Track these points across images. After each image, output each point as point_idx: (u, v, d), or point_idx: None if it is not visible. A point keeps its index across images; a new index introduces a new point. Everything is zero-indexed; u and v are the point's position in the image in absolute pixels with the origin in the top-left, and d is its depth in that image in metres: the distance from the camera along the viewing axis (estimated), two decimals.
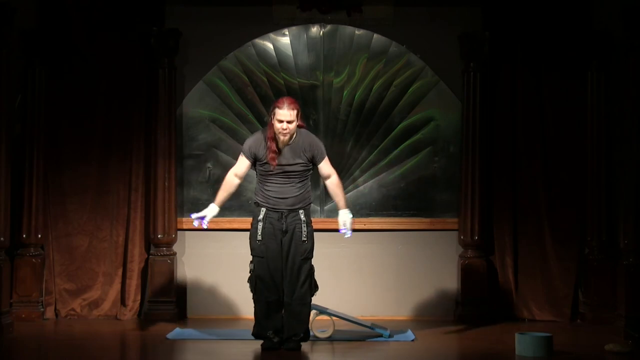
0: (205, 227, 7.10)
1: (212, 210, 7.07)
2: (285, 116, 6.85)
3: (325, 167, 7.06)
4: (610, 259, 8.16)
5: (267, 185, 6.98)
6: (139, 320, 8.30)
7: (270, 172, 6.95)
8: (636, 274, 7.29)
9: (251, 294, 7.02)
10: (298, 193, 6.97)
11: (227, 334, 7.57)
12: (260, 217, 6.96)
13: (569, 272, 8.37)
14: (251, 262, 7.00)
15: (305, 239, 6.95)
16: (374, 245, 8.56)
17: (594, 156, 8.29)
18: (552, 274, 8.37)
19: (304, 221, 6.97)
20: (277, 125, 6.86)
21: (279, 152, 6.91)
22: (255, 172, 7.10)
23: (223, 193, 7.11)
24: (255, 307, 6.99)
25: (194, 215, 7.11)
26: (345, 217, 7.10)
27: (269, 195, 6.96)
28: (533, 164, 8.43)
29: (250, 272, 7.01)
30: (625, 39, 7.51)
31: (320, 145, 7.07)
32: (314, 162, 7.03)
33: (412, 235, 8.56)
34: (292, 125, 6.89)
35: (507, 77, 8.47)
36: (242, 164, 7.08)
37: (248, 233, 7.05)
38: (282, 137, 6.89)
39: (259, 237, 6.95)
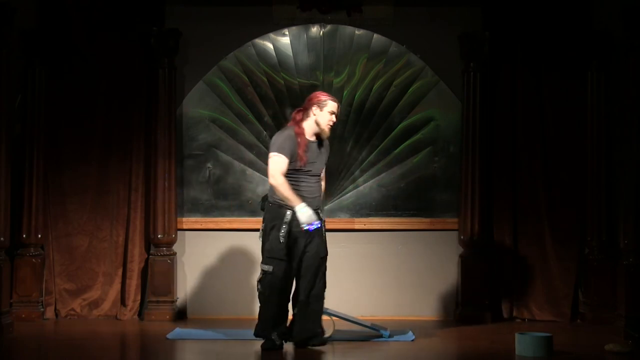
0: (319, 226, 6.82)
1: (309, 209, 6.74)
2: (336, 108, 6.92)
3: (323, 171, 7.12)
4: (610, 259, 8.15)
5: (298, 186, 6.82)
6: (139, 320, 8.31)
7: (300, 171, 6.82)
8: (636, 274, 7.29)
9: (255, 294, 6.98)
10: (321, 193, 6.99)
11: (227, 334, 7.56)
12: (287, 219, 6.80)
13: (569, 272, 8.37)
14: (266, 263, 6.85)
15: (324, 235, 6.96)
16: (374, 245, 8.56)
17: (594, 156, 8.29)
18: (552, 274, 8.37)
19: (322, 219, 6.95)
20: (329, 117, 6.87)
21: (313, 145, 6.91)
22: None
23: (293, 192, 6.74)
24: (262, 307, 6.91)
25: (313, 226, 6.74)
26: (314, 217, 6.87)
27: (301, 197, 6.80)
28: (533, 164, 8.42)
29: (262, 272, 6.87)
30: (625, 39, 7.50)
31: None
32: None
33: (412, 235, 8.55)
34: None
35: (507, 77, 8.47)
36: (285, 164, 6.78)
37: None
38: (326, 129, 6.92)
39: (282, 240, 6.80)
